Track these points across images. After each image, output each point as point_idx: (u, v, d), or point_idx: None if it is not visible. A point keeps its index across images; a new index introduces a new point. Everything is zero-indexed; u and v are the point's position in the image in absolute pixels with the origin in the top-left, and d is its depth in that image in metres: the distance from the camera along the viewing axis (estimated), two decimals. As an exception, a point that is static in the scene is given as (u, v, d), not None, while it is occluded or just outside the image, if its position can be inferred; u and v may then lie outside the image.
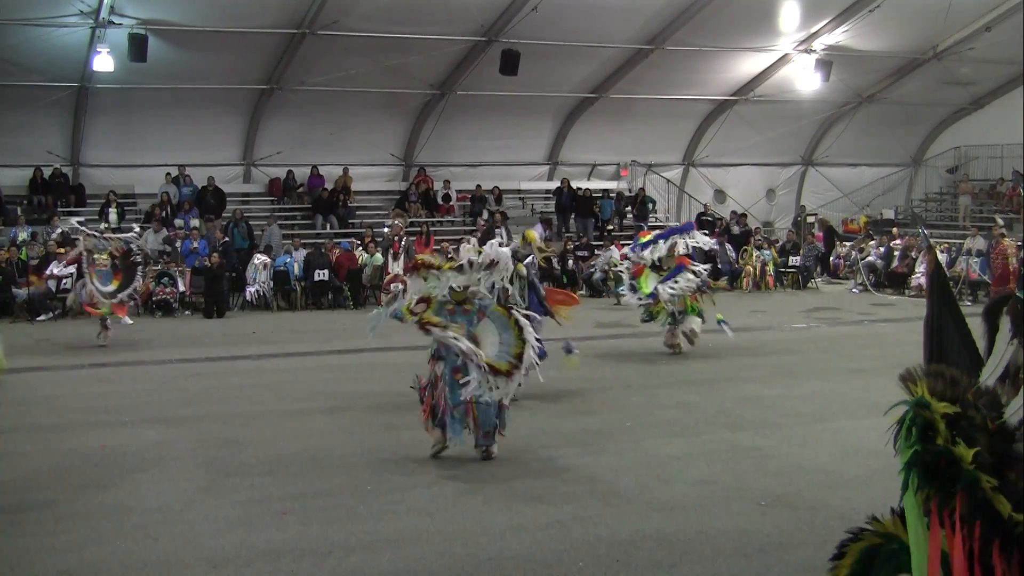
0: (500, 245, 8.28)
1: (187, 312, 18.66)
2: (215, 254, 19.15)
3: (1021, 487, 2.66)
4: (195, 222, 21.55)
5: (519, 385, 8.19)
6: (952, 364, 3.45)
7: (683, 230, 13.96)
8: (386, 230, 21.09)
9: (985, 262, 21.23)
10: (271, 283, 19.70)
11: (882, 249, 23.33)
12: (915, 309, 17.53)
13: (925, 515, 2.77)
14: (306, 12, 20.08)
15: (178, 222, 21.70)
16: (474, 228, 22.94)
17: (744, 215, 26.31)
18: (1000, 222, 21.62)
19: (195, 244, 20.19)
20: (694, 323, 13.24)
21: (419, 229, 22.14)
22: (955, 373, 2.88)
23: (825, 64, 23.99)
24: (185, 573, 5.79)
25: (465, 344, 7.64)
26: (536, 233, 12.96)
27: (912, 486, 2.70)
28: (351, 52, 21.48)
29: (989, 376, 3.21)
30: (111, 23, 19.28)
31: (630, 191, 26.85)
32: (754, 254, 22.98)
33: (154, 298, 18.45)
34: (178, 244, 20.39)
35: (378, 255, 20.04)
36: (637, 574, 5.74)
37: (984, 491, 2.60)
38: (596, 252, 22.58)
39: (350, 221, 24.10)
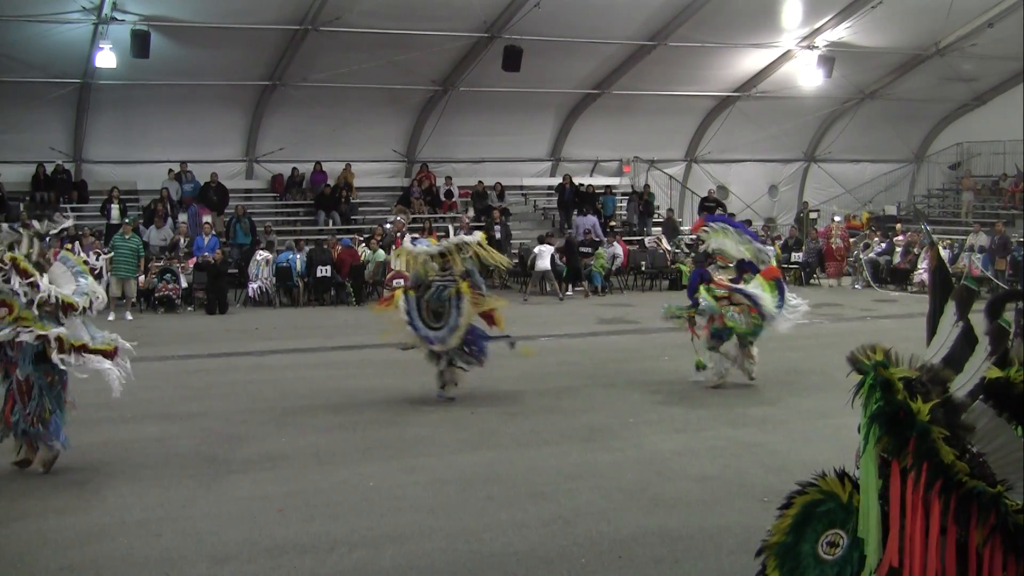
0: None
1: (189, 308, 18.67)
2: (218, 250, 19.13)
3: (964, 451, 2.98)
4: (207, 217, 21.45)
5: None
6: (955, 359, 3.49)
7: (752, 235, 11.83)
8: (388, 226, 21.07)
9: (988, 257, 21.24)
10: (273, 279, 19.71)
11: (883, 245, 23.31)
12: (917, 305, 17.49)
13: (880, 463, 3.12)
14: (308, 8, 20.07)
15: (182, 217, 21.69)
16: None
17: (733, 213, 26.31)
18: (838, 216, 24.39)
19: (206, 239, 20.09)
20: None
21: (422, 225, 22.13)
22: (896, 351, 3.23)
23: (828, 60, 23.95)
24: (187, 569, 5.79)
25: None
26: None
27: (873, 437, 3.06)
28: (353, 48, 21.46)
29: (934, 355, 3.52)
30: (114, 19, 19.30)
31: (633, 188, 26.83)
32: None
33: (157, 294, 18.47)
34: (181, 240, 20.34)
35: (380, 251, 20.04)
36: (640, 570, 5.74)
37: (934, 440, 2.97)
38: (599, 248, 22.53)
39: (352, 217, 24.09)
